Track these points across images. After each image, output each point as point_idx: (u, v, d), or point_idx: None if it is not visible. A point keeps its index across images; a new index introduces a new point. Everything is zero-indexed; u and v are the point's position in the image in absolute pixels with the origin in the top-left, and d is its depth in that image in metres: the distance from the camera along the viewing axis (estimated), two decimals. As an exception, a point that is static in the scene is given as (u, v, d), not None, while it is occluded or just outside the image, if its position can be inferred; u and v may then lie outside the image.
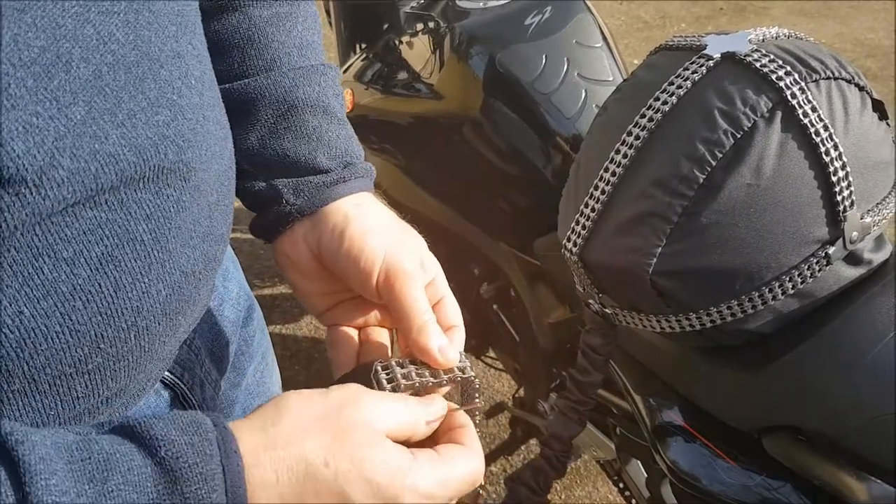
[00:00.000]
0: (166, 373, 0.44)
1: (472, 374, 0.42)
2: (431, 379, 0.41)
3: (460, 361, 0.42)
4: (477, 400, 0.43)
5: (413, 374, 0.41)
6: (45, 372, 0.32)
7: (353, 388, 0.35)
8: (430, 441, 0.38)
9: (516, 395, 1.39)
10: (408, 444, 0.36)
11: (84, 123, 0.30)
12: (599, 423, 1.02)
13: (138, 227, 0.34)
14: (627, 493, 1.10)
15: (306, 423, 0.33)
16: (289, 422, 0.33)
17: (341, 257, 0.44)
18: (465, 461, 0.37)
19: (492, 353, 1.39)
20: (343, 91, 0.53)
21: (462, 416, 0.40)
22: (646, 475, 0.89)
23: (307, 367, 1.86)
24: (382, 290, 0.43)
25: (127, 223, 0.33)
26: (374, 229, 0.44)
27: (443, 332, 0.42)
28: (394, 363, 0.41)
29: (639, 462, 0.90)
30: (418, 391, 0.41)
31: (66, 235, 0.31)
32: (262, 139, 0.47)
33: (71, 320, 0.32)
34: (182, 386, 0.45)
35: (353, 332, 0.47)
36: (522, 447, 1.50)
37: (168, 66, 0.35)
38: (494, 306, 1.25)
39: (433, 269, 0.45)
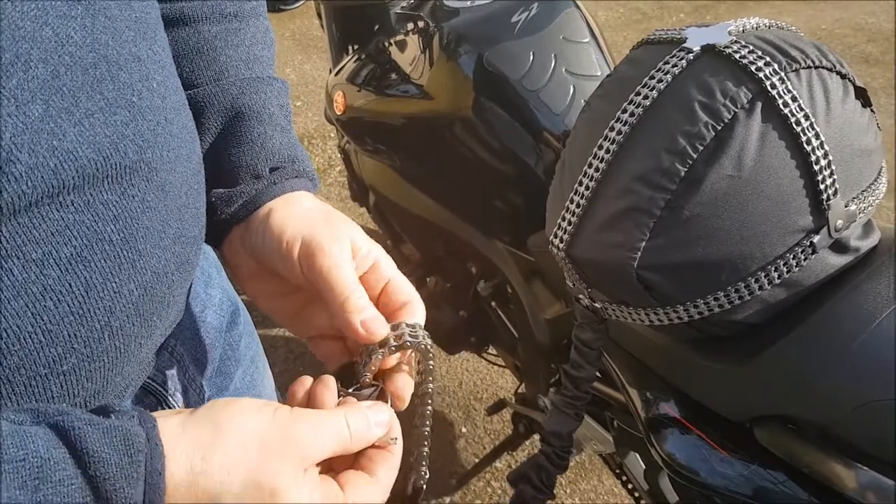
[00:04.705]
0: (147, 379, 0.44)
1: (418, 340, 0.41)
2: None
3: (411, 331, 0.41)
4: (430, 365, 0.42)
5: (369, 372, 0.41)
6: (19, 373, 0.33)
7: (296, 412, 0.35)
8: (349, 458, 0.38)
9: (518, 392, 1.39)
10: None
11: (42, 120, 0.31)
12: (598, 417, 1.02)
13: (106, 228, 0.34)
14: (630, 486, 1.10)
15: (241, 457, 0.32)
16: (223, 453, 0.32)
17: (266, 245, 0.44)
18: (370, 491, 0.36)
19: (492, 350, 1.40)
20: (290, 103, 0.54)
21: (387, 437, 0.39)
22: (644, 467, 0.89)
23: (312, 368, 1.87)
24: (305, 269, 0.42)
25: (95, 224, 0.34)
26: (295, 214, 0.44)
27: (372, 305, 0.41)
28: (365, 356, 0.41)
29: (637, 454, 0.90)
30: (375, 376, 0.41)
31: (34, 237, 0.32)
32: (210, 146, 0.48)
33: (43, 320, 0.32)
34: (164, 392, 0.45)
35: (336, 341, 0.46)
36: (526, 442, 1.50)
37: (127, 69, 0.36)
38: (493, 303, 1.26)
39: (373, 253, 0.44)
